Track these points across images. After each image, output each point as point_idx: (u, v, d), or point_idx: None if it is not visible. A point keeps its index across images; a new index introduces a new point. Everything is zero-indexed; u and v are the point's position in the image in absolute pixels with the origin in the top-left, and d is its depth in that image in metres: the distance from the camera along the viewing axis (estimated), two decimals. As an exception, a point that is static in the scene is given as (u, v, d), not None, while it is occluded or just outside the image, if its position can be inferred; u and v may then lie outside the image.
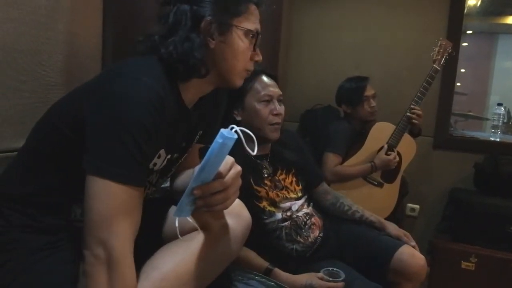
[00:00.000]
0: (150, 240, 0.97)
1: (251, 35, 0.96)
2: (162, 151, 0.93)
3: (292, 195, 1.58)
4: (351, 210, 1.74)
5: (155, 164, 0.93)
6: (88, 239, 0.75)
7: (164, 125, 0.85)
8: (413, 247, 1.60)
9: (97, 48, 1.33)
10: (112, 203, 0.75)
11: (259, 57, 1.01)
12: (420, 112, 2.19)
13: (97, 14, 1.32)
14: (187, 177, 0.97)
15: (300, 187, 1.63)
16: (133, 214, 0.79)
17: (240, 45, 0.95)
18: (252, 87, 1.51)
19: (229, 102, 1.28)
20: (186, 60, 0.88)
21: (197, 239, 0.90)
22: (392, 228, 1.70)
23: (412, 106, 2.19)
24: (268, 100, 1.51)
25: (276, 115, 1.51)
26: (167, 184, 1.16)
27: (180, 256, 0.89)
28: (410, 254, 1.55)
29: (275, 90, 1.54)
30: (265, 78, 1.54)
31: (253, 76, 1.50)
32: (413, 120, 2.19)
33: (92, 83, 0.89)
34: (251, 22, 0.96)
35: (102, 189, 0.75)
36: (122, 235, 0.76)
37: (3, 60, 1.03)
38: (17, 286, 0.82)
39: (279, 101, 1.55)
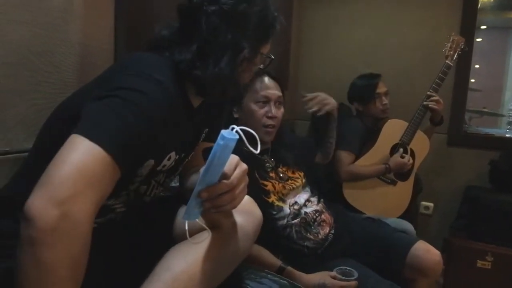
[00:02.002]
0: (161, 239, 0.97)
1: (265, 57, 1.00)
2: (172, 154, 0.93)
3: (298, 183, 1.59)
4: None
5: (164, 166, 0.93)
6: (43, 197, 0.63)
7: (171, 125, 0.85)
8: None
9: (110, 49, 1.34)
10: (89, 166, 0.66)
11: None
12: (437, 98, 2.16)
13: (108, 14, 1.33)
14: (197, 176, 0.98)
15: (303, 172, 1.64)
16: (104, 190, 0.69)
17: (255, 68, 0.99)
18: (251, 87, 1.50)
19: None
20: (217, 86, 0.89)
21: (208, 239, 0.90)
22: None
23: (428, 93, 2.16)
24: (265, 102, 1.51)
25: (271, 117, 1.51)
26: (177, 184, 1.17)
27: (191, 256, 0.88)
28: (425, 250, 1.54)
29: (274, 92, 1.53)
30: (266, 80, 1.53)
31: (255, 76, 1.50)
32: (432, 106, 2.15)
33: (98, 79, 0.89)
34: (269, 45, 0.99)
35: (83, 147, 0.67)
36: (90, 200, 0.66)
37: (18, 62, 1.04)
38: None
39: (279, 103, 1.55)
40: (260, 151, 1.52)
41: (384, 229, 1.70)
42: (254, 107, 1.51)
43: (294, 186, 1.56)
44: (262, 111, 1.51)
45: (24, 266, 0.63)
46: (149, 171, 0.90)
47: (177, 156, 0.97)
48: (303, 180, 1.62)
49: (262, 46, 0.96)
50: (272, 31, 0.97)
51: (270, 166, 1.56)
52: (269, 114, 1.51)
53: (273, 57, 1.01)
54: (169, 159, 0.93)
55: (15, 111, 1.05)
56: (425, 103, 2.17)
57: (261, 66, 1.03)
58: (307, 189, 1.62)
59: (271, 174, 1.54)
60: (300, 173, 1.63)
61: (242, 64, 0.92)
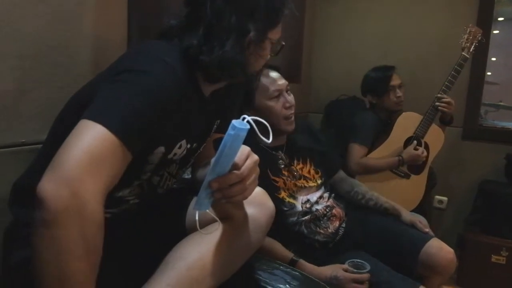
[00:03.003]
0: (173, 230, 0.99)
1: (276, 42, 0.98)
2: (183, 142, 0.93)
3: (312, 184, 1.57)
4: (365, 199, 1.76)
5: (175, 154, 0.93)
6: (51, 179, 0.65)
7: (180, 108, 0.85)
8: (427, 232, 1.63)
9: (123, 40, 1.35)
10: (96, 147, 0.68)
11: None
12: (448, 100, 2.13)
13: (122, 6, 1.34)
14: (208, 167, 0.98)
15: (319, 174, 1.63)
16: (112, 170, 0.71)
17: (266, 54, 0.97)
18: (259, 84, 1.48)
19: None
20: (223, 70, 0.88)
21: (219, 230, 0.91)
22: (406, 214, 1.72)
23: (439, 96, 2.14)
24: (278, 95, 1.50)
25: (289, 107, 1.51)
26: (189, 175, 1.18)
27: (204, 246, 0.89)
28: (439, 248, 1.53)
29: (282, 82, 1.52)
30: (270, 72, 1.51)
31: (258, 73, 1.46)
32: (442, 108, 2.13)
33: (108, 68, 0.90)
34: (279, 31, 0.97)
35: (90, 130, 0.69)
36: (98, 179, 0.68)
37: (34, 55, 1.06)
38: None
39: (288, 90, 1.54)
40: (275, 147, 1.54)
41: (396, 225, 1.69)
42: (270, 103, 1.49)
43: (306, 185, 1.55)
44: (279, 104, 1.49)
45: (39, 247, 0.65)
46: (160, 159, 0.91)
47: (188, 145, 0.97)
48: (319, 181, 1.60)
49: (270, 31, 0.94)
50: (280, 15, 0.95)
51: (284, 163, 1.55)
52: (287, 105, 1.50)
53: (284, 43, 1.00)
54: (179, 147, 0.93)
55: (31, 103, 1.07)
56: (436, 103, 2.14)
57: (273, 54, 1.01)
58: (322, 188, 1.61)
59: (283, 172, 1.53)
60: (316, 174, 1.61)
61: (249, 47, 0.91)
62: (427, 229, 1.64)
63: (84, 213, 0.65)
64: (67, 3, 1.13)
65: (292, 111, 1.52)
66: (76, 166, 0.66)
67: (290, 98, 1.53)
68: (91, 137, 0.69)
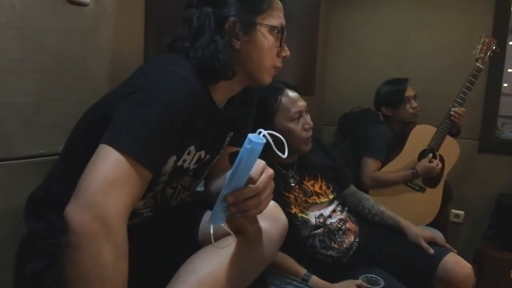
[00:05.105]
0: (185, 243, 0.99)
1: (276, 31, 0.95)
2: (192, 148, 0.94)
3: (323, 199, 1.56)
4: (370, 213, 1.72)
5: (184, 161, 0.94)
6: (75, 205, 0.69)
7: (195, 120, 0.86)
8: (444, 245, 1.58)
9: (140, 55, 1.37)
10: (114, 172, 0.71)
11: (286, 53, 1.00)
12: (461, 112, 2.11)
13: (139, 21, 1.36)
14: (222, 180, 0.98)
15: (331, 189, 1.61)
16: (133, 191, 0.74)
17: (266, 43, 0.94)
18: (280, 105, 1.47)
19: (258, 123, 1.21)
20: (212, 63, 0.88)
21: (233, 244, 0.90)
22: (412, 232, 1.63)
23: (454, 104, 2.11)
24: (299, 117, 1.49)
25: (308, 129, 1.50)
26: (203, 188, 1.18)
27: (217, 260, 0.89)
28: (456, 263, 1.50)
29: (302, 103, 1.51)
30: (290, 93, 1.50)
31: (277, 92, 1.47)
32: (455, 120, 2.11)
33: (123, 83, 0.92)
34: (275, 17, 0.95)
35: (109, 155, 0.72)
36: (119, 202, 0.70)
37: (54, 68, 1.08)
38: None
39: (306, 112, 1.53)
40: (285, 166, 1.52)
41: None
42: (291, 125, 1.47)
43: (318, 201, 1.54)
44: (299, 126, 1.48)
45: (67, 269, 0.68)
46: (172, 168, 0.91)
47: (199, 154, 0.97)
48: (330, 196, 1.59)
49: (258, 16, 0.93)
50: (268, 0, 0.95)
51: (294, 181, 1.54)
52: (306, 126, 1.49)
53: (284, 26, 0.97)
54: (188, 153, 0.93)
55: (50, 115, 1.09)
56: (451, 112, 2.11)
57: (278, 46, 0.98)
58: (334, 202, 1.60)
59: (295, 189, 1.52)
60: (327, 189, 1.60)
61: (237, 35, 0.92)
62: (431, 250, 1.56)
63: (107, 237, 0.68)
64: (85, 18, 1.16)
65: (311, 133, 1.50)
66: (98, 192, 0.69)
67: (309, 119, 1.51)
68: (110, 163, 0.72)
